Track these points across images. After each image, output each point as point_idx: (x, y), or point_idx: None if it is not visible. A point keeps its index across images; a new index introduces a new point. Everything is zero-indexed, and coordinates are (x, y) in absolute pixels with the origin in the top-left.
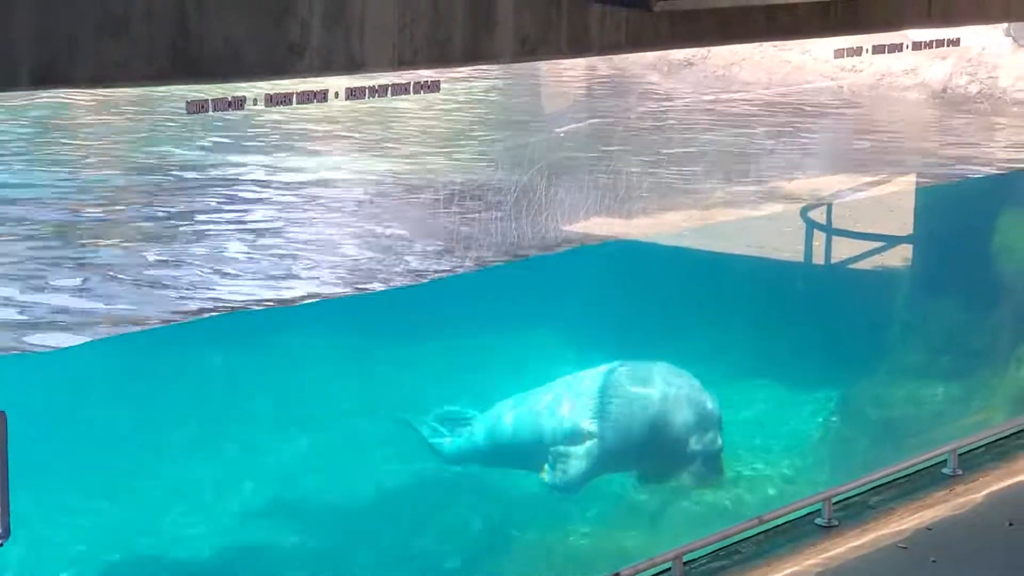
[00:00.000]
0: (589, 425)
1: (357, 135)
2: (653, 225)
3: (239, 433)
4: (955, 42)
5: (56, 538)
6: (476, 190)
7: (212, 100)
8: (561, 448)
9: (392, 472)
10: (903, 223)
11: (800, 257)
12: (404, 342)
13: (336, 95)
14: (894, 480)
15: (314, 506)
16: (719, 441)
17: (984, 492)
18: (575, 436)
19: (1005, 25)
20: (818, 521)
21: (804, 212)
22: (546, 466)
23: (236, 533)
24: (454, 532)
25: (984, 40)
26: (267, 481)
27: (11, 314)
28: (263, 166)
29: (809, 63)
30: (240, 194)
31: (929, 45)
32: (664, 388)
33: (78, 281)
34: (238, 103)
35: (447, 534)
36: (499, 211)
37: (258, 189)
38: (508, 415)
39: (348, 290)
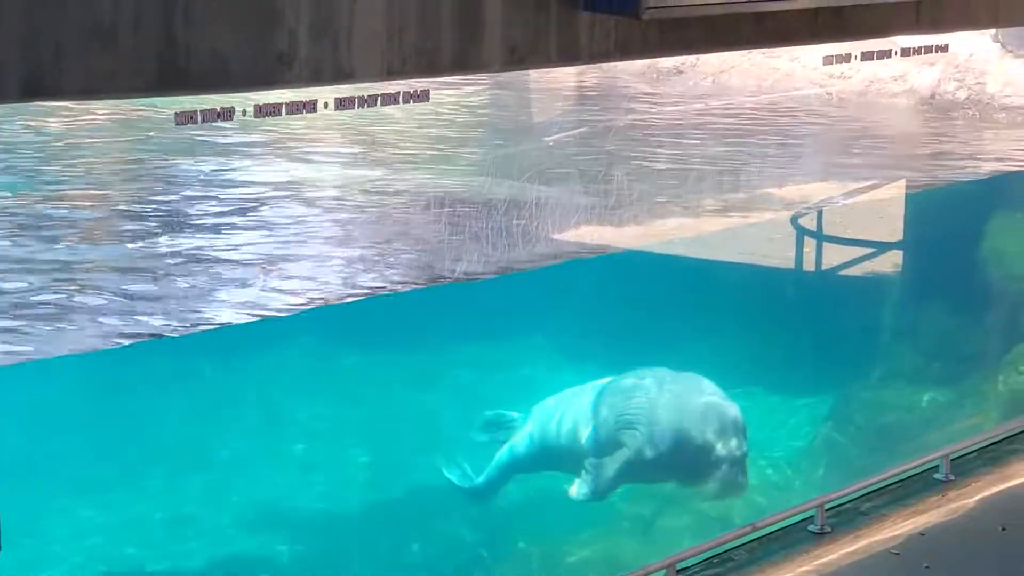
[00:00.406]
0: (622, 435)
1: (345, 143)
2: (644, 234)
3: (234, 444)
4: (943, 48)
5: (51, 544)
6: (467, 199)
7: (201, 111)
8: (594, 459)
9: (391, 484)
10: (893, 229)
11: (791, 264)
12: (399, 351)
13: (325, 105)
14: (887, 486)
15: (310, 516)
16: (744, 447)
17: (977, 497)
18: (609, 446)
19: (993, 31)
20: (811, 528)
21: (794, 219)
22: (577, 480)
23: (231, 545)
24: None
25: (972, 46)
26: (262, 493)
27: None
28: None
29: (798, 70)
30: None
31: (918, 51)
32: (691, 395)
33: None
34: (227, 114)
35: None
36: (487, 220)
37: (246, 195)
38: (535, 439)
39: (337, 300)
